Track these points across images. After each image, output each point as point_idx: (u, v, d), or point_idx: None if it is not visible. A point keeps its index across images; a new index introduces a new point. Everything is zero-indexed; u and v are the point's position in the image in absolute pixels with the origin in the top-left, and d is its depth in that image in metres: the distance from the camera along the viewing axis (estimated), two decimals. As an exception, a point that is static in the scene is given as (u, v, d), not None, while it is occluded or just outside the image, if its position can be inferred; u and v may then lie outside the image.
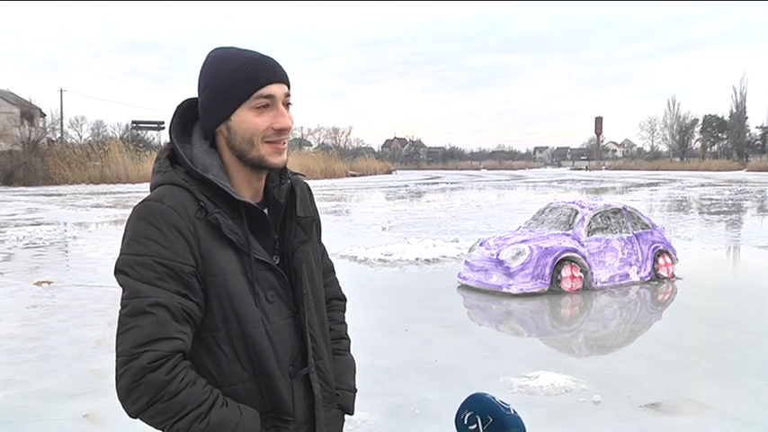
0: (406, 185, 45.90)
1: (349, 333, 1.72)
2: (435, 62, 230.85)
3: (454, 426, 1.19)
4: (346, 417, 1.61)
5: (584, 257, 8.77)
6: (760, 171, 63.74)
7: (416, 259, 11.29)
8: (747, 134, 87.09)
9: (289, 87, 1.40)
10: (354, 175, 65.40)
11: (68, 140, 54.09)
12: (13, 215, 20.65)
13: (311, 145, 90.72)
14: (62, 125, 54.44)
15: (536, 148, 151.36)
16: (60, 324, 6.98)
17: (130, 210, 1.36)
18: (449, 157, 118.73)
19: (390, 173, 77.81)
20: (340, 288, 1.76)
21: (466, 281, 9.03)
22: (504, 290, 8.45)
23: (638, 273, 9.28)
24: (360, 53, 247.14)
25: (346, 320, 1.74)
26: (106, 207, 24.31)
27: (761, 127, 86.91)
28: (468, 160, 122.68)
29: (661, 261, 9.52)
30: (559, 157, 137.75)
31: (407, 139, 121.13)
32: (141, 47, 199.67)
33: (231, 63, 1.35)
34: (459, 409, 1.19)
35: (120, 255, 1.30)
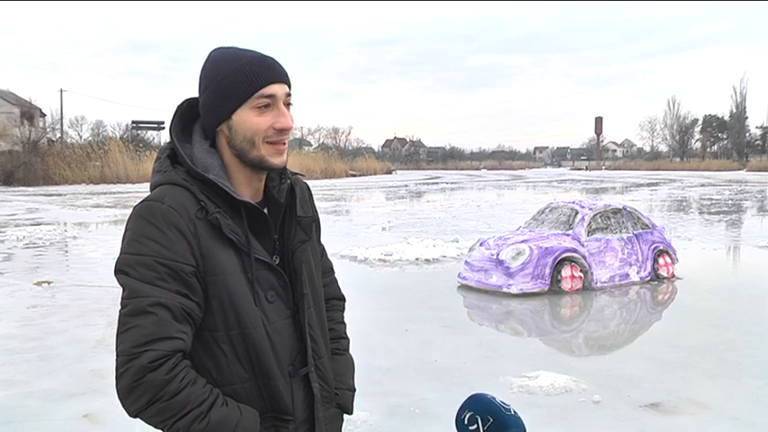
0: (406, 185, 45.90)
1: (349, 333, 1.73)
2: (435, 62, 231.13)
3: (454, 426, 1.19)
4: (346, 416, 1.61)
5: (584, 257, 8.78)
6: (760, 171, 63.74)
7: (416, 259, 11.29)
8: (747, 134, 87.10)
9: (290, 87, 1.40)
10: (354, 175, 65.40)
11: (68, 140, 54.16)
12: (13, 215, 20.65)
13: (311, 145, 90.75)
14: (62, 125, 54.52)
15: (536, 148, 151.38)
16: (60, 324, 6.99)
17: (130, 210, 1.36)
18: (449, 157, 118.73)
19: (390, 173, 77.81)
20: (339, 288, 1.76)
21: (466, 281, 9.03)
22: (504, 290, 8.45)
23: (638, 273, 9.28)
24: (360, 53, 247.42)
25: (345, 320, 1.75)
26: (106, 207, 24.31)
27: (761, 127, 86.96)
28: (468, 160, 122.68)
29: (661, 261, 9.52)
30: (559, 157, 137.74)
31: (407, 139, 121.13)
32: (141, 47, 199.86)
33: (233, 63, 1.35)
34: (460, 409, 1.19)
35: (121, 254, 1.30)
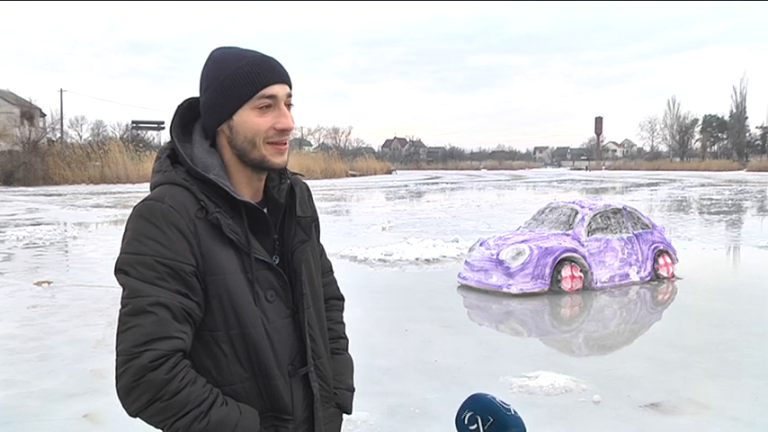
0: (406, 185, 45.90)
1: (348, 333, 1.73)
2: (435, 62, 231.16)
3: (454, 426, 1.19)
4: (345, 416, 1.62)
5: (584, 257, 8.78)
6: (760, 171, 63.73)
7: (416, 259, 11.29)
8: (747, 134, 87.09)
9: (291, 88, 1.40)
10: (354, 175, 65.39)
11: (68, 140, 54.15)
12: (13, 215, 20.65)
13: (311, 145, 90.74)
14: (62, 125, 54.52)
15: (536, 148, 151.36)
16: (60, 324, 6.99)
17: (130, 210, 1.36)
18: (449, 157, 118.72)
19: (390, 173, 77.80)
20: (338, 288, 1.76)
21: (466, 281, 9.03)
22: (504, 290, 8.45)
23: (638, 273, 9.28)
24: (360, 53, 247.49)
25: (345, 320, 1.75)
26: (106, 207, 24.31)
27: (761, 127, 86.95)
28: (468, 160, 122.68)
29: (661, 261, 9.52)
30: (559, 157, 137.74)
31: (407, 139, 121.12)
32: (141, 47, 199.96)
33: (234, 63, 1.35)
34: (460, 409, 1.19)
35: (121, 254, 1.30)
